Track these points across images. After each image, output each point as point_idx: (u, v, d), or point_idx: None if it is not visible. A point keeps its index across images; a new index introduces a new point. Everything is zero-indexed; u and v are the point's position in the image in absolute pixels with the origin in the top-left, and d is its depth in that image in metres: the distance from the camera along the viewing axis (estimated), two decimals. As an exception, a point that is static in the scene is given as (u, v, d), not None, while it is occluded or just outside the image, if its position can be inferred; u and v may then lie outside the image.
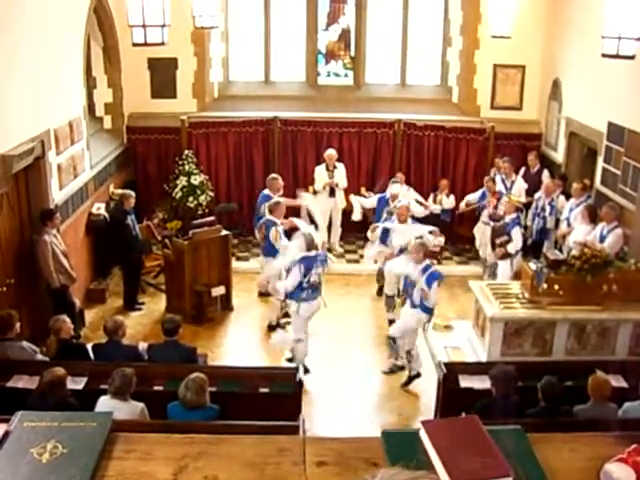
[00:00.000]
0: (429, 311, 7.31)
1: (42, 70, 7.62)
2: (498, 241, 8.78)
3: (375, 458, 1.89)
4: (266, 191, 9.35)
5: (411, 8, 11.97)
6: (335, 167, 10.72)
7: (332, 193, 10.72)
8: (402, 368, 7.67)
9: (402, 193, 9.62)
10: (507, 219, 8.84)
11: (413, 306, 7.34)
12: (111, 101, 10.93)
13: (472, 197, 10.28)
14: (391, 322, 8.38)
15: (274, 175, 9.70)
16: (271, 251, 8.37)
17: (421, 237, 8.00)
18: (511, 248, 8.69)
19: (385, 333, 8.45)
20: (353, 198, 10.21)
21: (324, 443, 1.99)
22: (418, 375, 7.50)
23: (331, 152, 10.76)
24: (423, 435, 1.85)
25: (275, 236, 8.32)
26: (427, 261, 7.36)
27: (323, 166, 10.74)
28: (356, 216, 10.10)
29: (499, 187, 9.98)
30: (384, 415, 7.08)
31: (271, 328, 8.50)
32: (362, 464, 1.87)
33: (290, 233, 8.22)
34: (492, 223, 9.31)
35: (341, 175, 10.74)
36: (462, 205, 10.46)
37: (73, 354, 6.23)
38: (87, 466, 1.81)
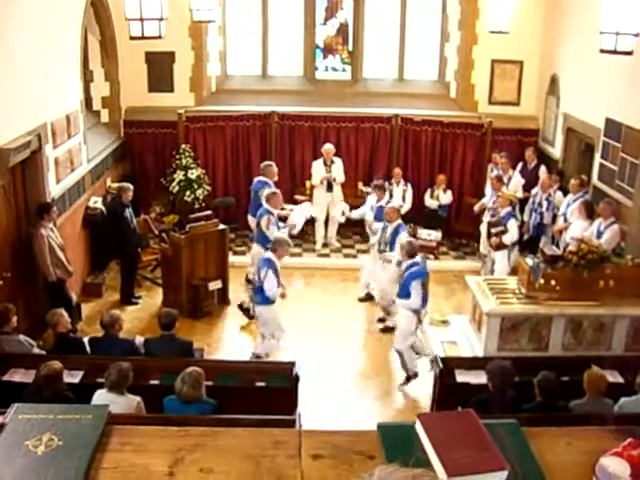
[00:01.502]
0: (416, 311, 7.22)
1: (39, 63, 7.59)
2: (494, 231, 8.88)
3: (371, 451, 1.88)
4: (262, 177, 9.37)
5: (409, 3, 11.96)
6: (332, 162, 10.71)
7: (329, 188, 10.71)
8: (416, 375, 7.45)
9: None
10: (502, 213, 8.93)
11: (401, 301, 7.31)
12: (108, 95, 10.91)
13: (485, 200, 10.16)
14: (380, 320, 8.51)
15: (268, 162, 9.73)
16: (262, 240, 8.39)
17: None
18: (507, 239, 8.78)
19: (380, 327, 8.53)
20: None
21: (320, 436, 1.98)
22: (415, 375, 7.44)
23: (328, 147, 10.74)
24: (419, 428, 1.84)
25: (266, 223, 8.34)
26: (414, 259, 7.25)
27: (320, 161, 10.73)
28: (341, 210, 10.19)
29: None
30: (380, 408, 7.09)
31: (240, 307, 8.80)
32: (358, 457, 1.87)
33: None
34: (489, 218, 9.35)
35: (338, 170, 10.73)
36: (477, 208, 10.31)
37: (70, 348, 6.23)
38: (82, 458, 1.80)
